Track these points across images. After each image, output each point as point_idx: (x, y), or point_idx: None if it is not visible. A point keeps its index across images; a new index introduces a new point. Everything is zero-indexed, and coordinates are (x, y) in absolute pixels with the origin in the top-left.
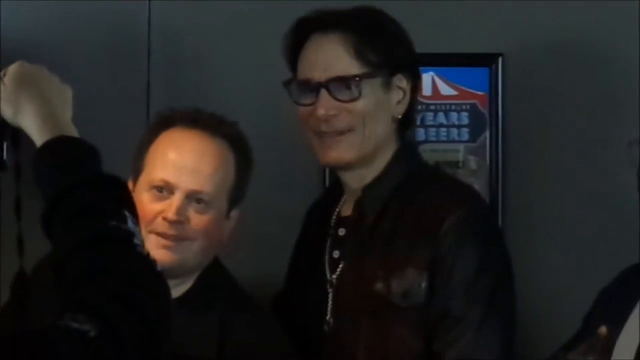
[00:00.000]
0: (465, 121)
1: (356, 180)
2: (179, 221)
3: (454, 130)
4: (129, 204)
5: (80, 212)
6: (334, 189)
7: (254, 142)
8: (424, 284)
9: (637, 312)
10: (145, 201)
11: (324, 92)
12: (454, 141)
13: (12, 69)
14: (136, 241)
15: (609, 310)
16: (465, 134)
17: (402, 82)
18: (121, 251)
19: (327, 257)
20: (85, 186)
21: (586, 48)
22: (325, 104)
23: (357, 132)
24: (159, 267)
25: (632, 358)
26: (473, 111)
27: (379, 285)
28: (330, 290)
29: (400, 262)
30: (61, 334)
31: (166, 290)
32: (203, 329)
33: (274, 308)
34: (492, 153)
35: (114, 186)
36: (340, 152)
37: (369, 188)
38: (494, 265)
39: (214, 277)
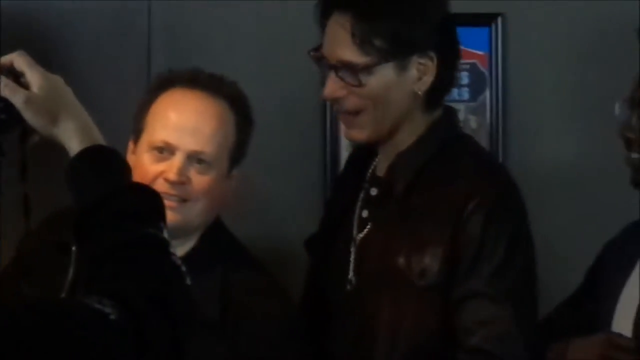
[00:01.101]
0: (466, 81)
1: (389, 147)
2: (181, 182)
3: (454, 90)
4: (164, 215)
5: (121, 217)
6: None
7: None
8: (443, 264)
9: (638, 268)
10: (147, 162)
11: (332, 73)
12: (454, 101)
13: (39, 79)
14: (171, 250)
15: (613, 265)
16: (465, 93)
17: (422, 59)
18: (157, 257)
19: (356, 214)
20: (127, 194)
21: (584, 6)
22: (332, 85)
23: (368, 113)
24: (189, 281)
25: (635, 312)
26: (473, 71)
27: (400, 261)
28: (353, 249)
29: (423, 239)
30: (83, 310)
31: (192, 301)
32: (206, 287)
33: (307, 249)
34: (492, 112)
35: (151, 197)
36: (354, 131)
37: (401, 156)
38: (520, 245)
39: (216, 236)
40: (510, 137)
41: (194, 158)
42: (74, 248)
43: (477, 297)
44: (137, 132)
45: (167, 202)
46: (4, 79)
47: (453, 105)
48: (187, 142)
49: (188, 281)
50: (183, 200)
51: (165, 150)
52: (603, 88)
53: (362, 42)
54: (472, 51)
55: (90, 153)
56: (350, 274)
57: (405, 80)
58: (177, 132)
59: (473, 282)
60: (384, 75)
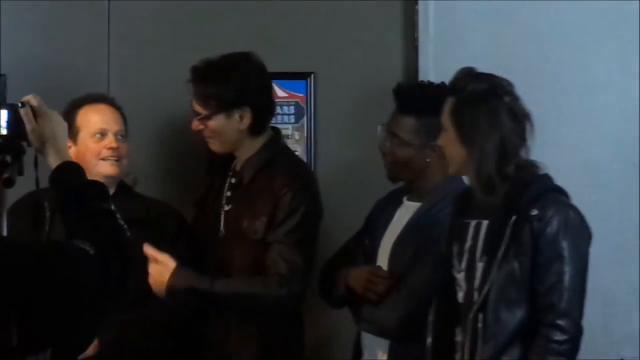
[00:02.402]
0: (293, 111)
1: (239, 154)
2: (117, 147)
3: (286, 117)
4: (109, 196)
5: (88, 198)
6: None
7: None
8: (266, 226)
9: (394, 220)
10: (92, 144)
11: (195, 117)
12: (286, 122)
13: (42, 116)
14: (119, 216)
15: (378, 218)
16: (292, 118)
17: (240, 110)
18: (111, 220)
19: (224, 192)
20: (88, 186)
21: (366, 66)
22: (194, 122)
23: (214, 139)
24: (129, 234)
25: (389, 253)
26: (297, 106)
27: (244, 223)
28: (222, 213)
29: (256, 211)
30: (75, 247)
31: (132, 246)
32: (134, 207)
33: (194, 206)
34: (308, 130)
35: (101, 186)
36: (211, 146)
37: (247, 161)
38: (311, 216)
39: (125, 184)
40: (318, 146)
41: (118, 134)
42: (46, 204)
43: (280, 243)
44: (72, 135)
45: (112, 162)
46: (26, 109)
47: (285, 125)
48: (113, 126)
49: (128, 234)
50: (119, 158)
51: (102, 134)
52: (376, 117)
53: (202, 101)
54: (295, 94)
55: (61, 167)
56: (221, 227)
57: (231, 123)
58: (105, 122)
59: (278, 233)
60: (217, 121)
